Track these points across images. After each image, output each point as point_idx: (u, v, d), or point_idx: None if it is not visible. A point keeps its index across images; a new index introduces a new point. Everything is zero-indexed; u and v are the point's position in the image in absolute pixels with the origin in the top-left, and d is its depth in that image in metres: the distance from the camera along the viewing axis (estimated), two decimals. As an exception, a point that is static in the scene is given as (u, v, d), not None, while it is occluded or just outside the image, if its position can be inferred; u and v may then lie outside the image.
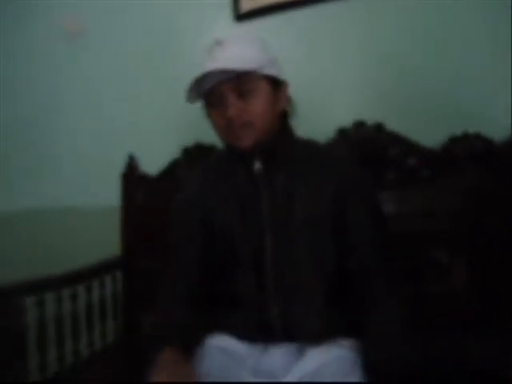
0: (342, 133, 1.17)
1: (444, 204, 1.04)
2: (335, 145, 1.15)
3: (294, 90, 0.82)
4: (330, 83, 1.28)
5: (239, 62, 0.71)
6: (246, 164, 0.80)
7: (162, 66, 1.48)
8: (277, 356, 0.74)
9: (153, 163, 1.39)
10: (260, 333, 0.76)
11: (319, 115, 1.23)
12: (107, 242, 1.38)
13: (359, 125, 1.16)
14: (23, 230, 1.65)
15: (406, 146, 1.10)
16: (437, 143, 1.09)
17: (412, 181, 1.08)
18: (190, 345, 0.74)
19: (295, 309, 0.76)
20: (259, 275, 0.78)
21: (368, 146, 1.12)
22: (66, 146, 1.63)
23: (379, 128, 1.13)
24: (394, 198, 1.08)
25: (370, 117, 1.15)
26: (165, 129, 1.47)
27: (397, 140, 1.11)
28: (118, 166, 1.42)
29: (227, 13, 1.38)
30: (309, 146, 0.84)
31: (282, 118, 0.81)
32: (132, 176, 1.40)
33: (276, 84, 0.77)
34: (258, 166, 0.79)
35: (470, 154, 1.04)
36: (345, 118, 1.18)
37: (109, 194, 1.44)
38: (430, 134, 1.10)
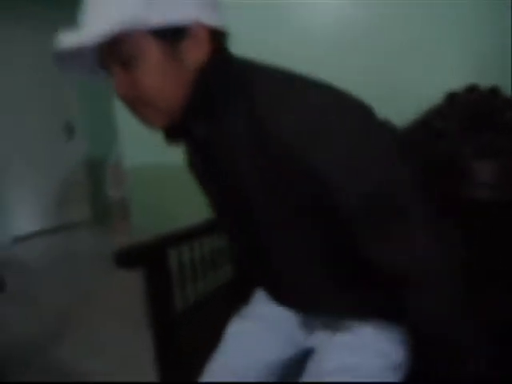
0: (453, 97, 1.13)
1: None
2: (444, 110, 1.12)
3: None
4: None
5: (99, 27, 0.49)
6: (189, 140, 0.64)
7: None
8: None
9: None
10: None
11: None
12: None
13: (471, 89, 1.11)
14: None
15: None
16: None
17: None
18: None
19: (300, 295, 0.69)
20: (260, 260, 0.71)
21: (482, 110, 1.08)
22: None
23: (494, 92, 1.09)
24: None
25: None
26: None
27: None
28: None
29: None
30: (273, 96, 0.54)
31: (206, 74, 0.56)
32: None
33: (176, 32, 0.53)
34: (200, 136, 0.60)
35: None
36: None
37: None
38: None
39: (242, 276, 1.16)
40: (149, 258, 0.95)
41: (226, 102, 0.57)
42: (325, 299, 0.66)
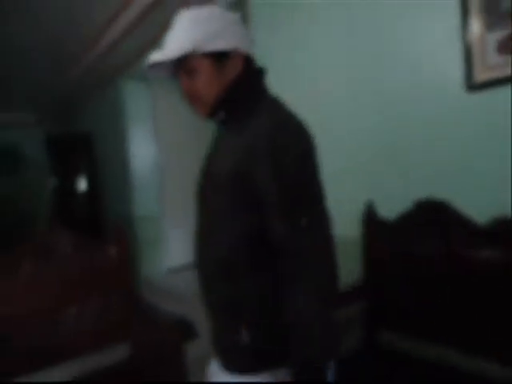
0: None
1: None
2: None
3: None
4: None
5: (174, 49, 0.79)
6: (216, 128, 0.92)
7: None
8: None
9: (389, 210, 1.59)
10: None
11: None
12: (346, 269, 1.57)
13: None
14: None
15: None
16: None
17: None
18: None
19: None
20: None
21: None
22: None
23: None
24: None
25: None
26: (403, 180, 1.61)
27: None
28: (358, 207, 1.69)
29: (458, 82, 1.41)
30: (268, 107, 0.81)
31: (235, 85, 0.84)
32: (371, 220, 1.64)
33: (222, 55, 0.81)
34: (218, 127, 0.90)
35: None
36: None
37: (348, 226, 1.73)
38: None
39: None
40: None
41: (242, 105, 0.84)
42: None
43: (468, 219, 1.30)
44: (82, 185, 4.83)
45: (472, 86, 1.36)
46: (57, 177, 4.97)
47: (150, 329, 1.42)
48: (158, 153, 4.23)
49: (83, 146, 4.79)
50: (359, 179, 1.78)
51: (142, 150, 4.12)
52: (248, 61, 0.85)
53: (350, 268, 1.64)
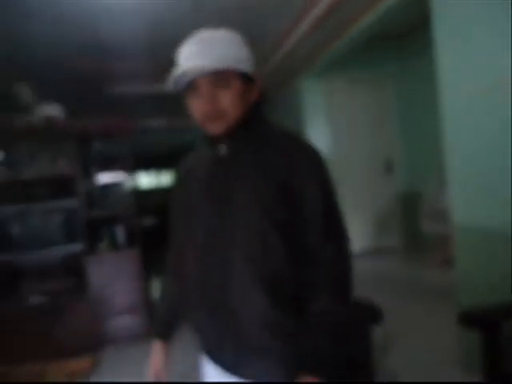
0: None
1: None
2: None
3: None
4: None
5: (217, 61, 0.80)
6: (214, 147, 0.89)
7: None
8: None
9: None
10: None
11: None
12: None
13: None
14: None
15: None
16: None
17: None
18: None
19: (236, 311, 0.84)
20: (206, 259, 0.88)
21: None
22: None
23: None
24: None
25: None
26: None
27: None
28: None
29: None
30: (279, 134, 0.89)
31: (254, 108, 0.88)
32: None
33: (248, 78, 0.86)
34: (223, 149, 0.88)
35: None
36: None
37: None
38: None
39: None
40: (485, 325, 1.23)
41: (258, 127, 0.90)
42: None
43: None
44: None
45: None
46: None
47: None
48: (332, 145, 4.51)
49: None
50: None
51: (318, 143, 4.40)
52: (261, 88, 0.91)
53: None
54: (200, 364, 0.99)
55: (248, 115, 0.87)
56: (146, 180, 6.42)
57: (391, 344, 2.33)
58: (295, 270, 0.82)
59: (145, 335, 2.83)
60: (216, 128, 0.84)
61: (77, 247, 2.94)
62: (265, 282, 0.80)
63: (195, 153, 1.00)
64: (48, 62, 3.25)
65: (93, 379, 2.44)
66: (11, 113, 2.98)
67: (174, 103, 2.16)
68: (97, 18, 2.62)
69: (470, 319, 1.28)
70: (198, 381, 0.96)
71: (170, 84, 0.83)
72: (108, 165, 3.14)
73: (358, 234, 4.49)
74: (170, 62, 1.01)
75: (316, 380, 0.77)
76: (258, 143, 0.87)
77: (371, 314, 1.49)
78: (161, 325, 1.05)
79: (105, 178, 3.16)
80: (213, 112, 0.83)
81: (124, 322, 2.95)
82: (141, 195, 5.83)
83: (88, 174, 3.07)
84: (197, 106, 0.84)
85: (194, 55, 0.81)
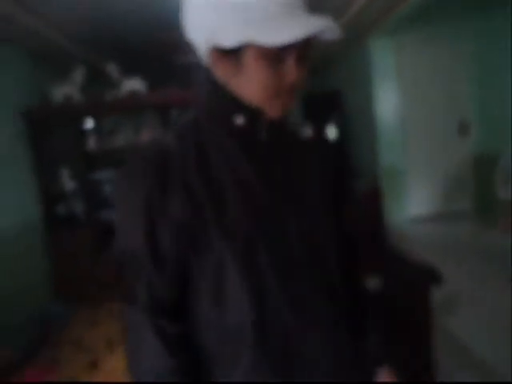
0: None
1: None
2: None
3: None
4: None
5: (324, 30, 0.60)
6: (247, 135, 0.68)
7: None
8: None
9: None
10: None
11: None
12: None
13: None
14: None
15: None
16: None
17: None
18: None
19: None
20: None
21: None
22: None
23: None
24: None
25: None
26: None
27: None
28: None
29: None
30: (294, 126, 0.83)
31: None
32: None
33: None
34: (262, 134, 0.68)
35: None
36: None
37: None
38: None
39: None
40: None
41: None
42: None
43: None
44: (332, 134, 5.46)
45: None
46: (310, 127, 5.83)
47: (400, 270, 1.74)
48: (403, 106, 4.35)
49: (333, 101, 5.34)
50: None
51: (388, 104, 4.32)
52: None
53: None
54: None
55: None
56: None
57: (455, 308, 2.39)
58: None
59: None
60: (284, 107, 0.66)
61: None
62: (329, 286, 0.70)
63: (174, 144, 0.65)
64: (130, 37, 3.53)
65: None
66: (102, 88, 3.34)
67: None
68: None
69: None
70: None
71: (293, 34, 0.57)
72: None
73: (429, 198, 4.43)
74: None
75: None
76: (288, 133, 0.77)
77: (430, 276, 1.58)
78: None
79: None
80: (292, 87, 0.64)
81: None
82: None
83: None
84: (271, 77, 0.62)
85: (304, 20, 0.60)
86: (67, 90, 3.30)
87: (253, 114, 0.66)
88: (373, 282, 1.60)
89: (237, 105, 0.66)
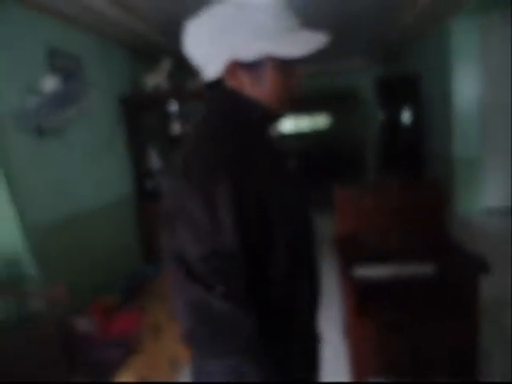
0: None
1: None
2: None
3: None
4: None
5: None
6: (267, 132, 0.81)
7: None
8: None
9: None
10: None
11: None
12: None
13: None
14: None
15: None
16: None
17: None
18: None
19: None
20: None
21: None
22: None
23: None
24: None
25: None
26: None
27: None
28: None
29: None
30: None
31: None
32: None
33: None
34: (274, 132, 0.84)
35: None
36: None
37: None
38: None
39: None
40: None
41: None
42: None
43: None
44: (407, 120, 5.33)
45: None
46: (384, 113, 5.73)
47: (453, 258, 1.82)
48: (485, 92, 4.11)
49: (410, 86, 5.18)
50: None
51: (467, 90, 4.12)
52: None
53: None
54: None
55: None
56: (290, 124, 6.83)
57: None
58: None
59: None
60: (289, 106, 0.80)
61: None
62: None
63: (243, 138, 0.74)
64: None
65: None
66: (187, 77, 3.69)
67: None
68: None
69: None
70: None
71: (304, 48, 0.72)
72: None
73: (507, 190, 4.19)
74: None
75: None
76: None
77: (478, 266, 1.66)
78: None
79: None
80: (298, 91, 0.79)
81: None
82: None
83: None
84: (291, 77, 0.77)
85: (311, 28, 0.75)
86: (157, 79, 3.72)
87: (268, 114, 0.78)
88: (428, 269, 1.71)
89: (259, 107, 0.76)
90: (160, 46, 4.00)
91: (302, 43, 0.72)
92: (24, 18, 2.46)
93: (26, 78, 2.41)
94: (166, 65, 3.78)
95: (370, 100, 6.10)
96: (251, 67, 0.74)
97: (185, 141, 0.77)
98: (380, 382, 1.84)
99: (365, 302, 1.81)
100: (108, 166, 3.38)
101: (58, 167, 2.65)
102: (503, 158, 4.14)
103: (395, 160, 5.37)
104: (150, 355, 2.12)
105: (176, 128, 3.90)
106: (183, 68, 4.30)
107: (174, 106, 3.90)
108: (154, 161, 3.84)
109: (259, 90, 0.75)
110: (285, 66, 0.74)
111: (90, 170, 3.04)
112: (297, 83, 0.78)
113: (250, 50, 0.72)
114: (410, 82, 5.17)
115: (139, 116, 3.80)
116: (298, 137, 6.59)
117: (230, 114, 0.76)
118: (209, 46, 0.74)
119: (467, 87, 4.10)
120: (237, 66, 0.74)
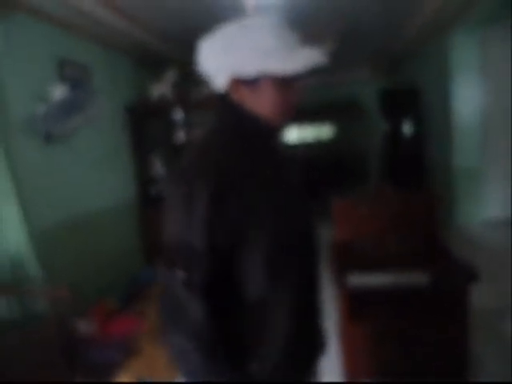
0: None
1: None
2: None
3: None
4: None
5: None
6: (269, 143, 0.86)
7: None
8: None
9: None
10: None
11: None
12: None
13: None
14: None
15: None
16: None
17: None
18: None
19: None
20: None
21: None
22: None
23: None
24: None
25: None
26: None
27: None
28: None
29: None
30: None
31: None
32: None
33: None
34: (278, 143, 0.89)
35: None
36: None
37: None
38: None
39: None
40: None
41: None
42: None
43: None
44: (408, 130, 5.37)
45: None
46: (387, 123, 5.79)
47: (446, 266, 1.86)
48: (485, 103, 4.16)
49: (411, 98, 5.24)
50: None
51: (468, 101, 4.16)
52: None
53: None
54: None
55: None
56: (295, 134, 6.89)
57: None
58: None
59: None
60: (288, 118, 0.85)
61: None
62: None
63: (231, 152, 0.79)
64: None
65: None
66: (192, 85, 3.78)
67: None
68: None
69: None
70: None
71: (300, 65, 0.77)
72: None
73: (507, 201, 4.18)
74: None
75: None
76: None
77: (467, 275, 1.70)
78: None
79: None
80: (296, 104, 0.83)
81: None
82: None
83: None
84: (288, 96, 0.81)
85: (312, 49, 0.79)
86: (162, 89, 3.82)
87: (267, 128, 0.83)
88: (421, 277, 1.76)
89: (257, 121, 0.82)
90: (165, 55, 4.11)
91: (299, 60, 0.76)
92: (35, 29, 2.57)
93: (37, 87, 2.51)
94: (170, 75, 3.88)
95: (374, 110, 6.16)
96: (251, 84, 0.79)
97: (188, 147, 0.90)
98: (373, 383, 1.87)
99: (358, 308, 1.85)
100: (113, 173, 3.47)
101: (64, 173, 2.74)
102: (504, 169, 4.15)
103: (397, 170, 5.41)
104: (148, 357, 2.16)
105: (180, 136, 3.98)
106: (188, 77, 4.42)
107: (178, 115, 3.99)
108: (158, 168, 3.92)
109: (259, 105, 0.80)
110: (284, 83, 0.79)
111: (95, 175, 3.13)
112: (297, 98, 0.83)
113: (249, 68, 0.77)
114: (412, 93, 5.24)
115: (144, 124, 3.89)
116: (302, 146, 6.65)
117: (231, 125, 0.83)
118: (214, 62, 0.81)
119: (468, 99, 4.15)
120: (238, 82, 0.80)
